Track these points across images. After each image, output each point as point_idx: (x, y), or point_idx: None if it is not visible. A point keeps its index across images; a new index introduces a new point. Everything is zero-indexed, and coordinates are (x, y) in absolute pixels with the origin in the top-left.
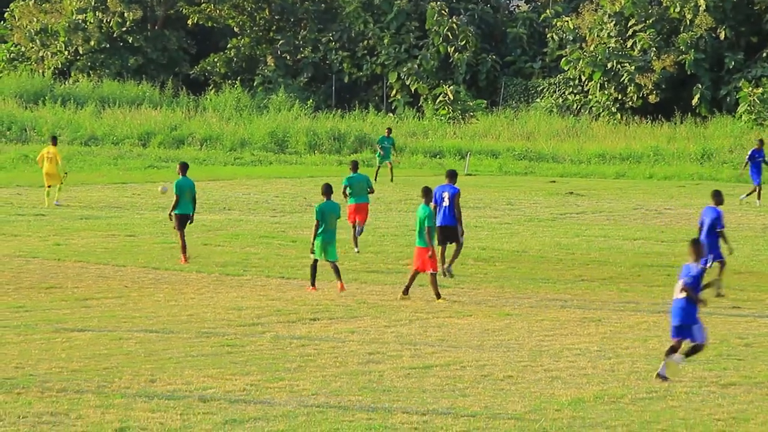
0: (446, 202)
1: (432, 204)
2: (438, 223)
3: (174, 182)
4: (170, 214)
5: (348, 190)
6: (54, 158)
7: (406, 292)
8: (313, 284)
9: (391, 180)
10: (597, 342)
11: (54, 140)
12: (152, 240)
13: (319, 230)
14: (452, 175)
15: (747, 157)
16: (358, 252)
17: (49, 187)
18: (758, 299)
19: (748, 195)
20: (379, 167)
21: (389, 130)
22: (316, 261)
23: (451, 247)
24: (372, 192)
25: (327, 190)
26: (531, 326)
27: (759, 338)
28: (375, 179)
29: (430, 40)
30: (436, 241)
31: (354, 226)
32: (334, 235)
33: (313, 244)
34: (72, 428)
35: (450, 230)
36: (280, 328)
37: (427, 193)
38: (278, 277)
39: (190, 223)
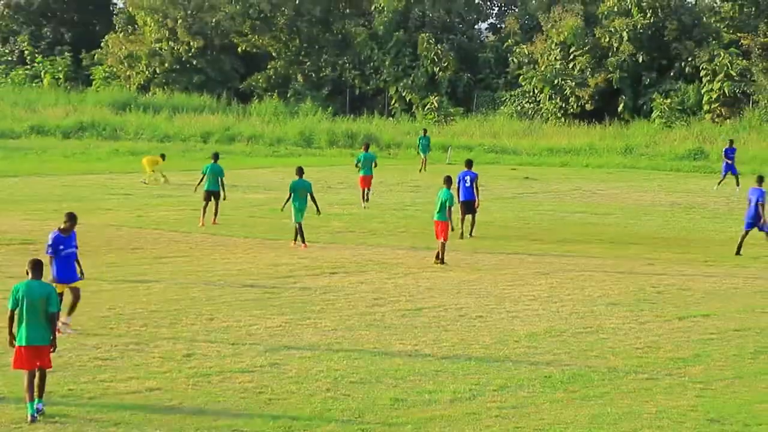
0: (468, 183)
1: (454, 186)
2: (461, 199)
3: (203, 165)
4: (196, 187)
5: (359, 164)
6: (156, 162)
7: (440, 261)
8: (303, 242)
9: (420, 170)
10: (546, 290)
11: (163, 157)
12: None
13: (293, 201)
14: (470, 164)
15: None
16: (366, 207)
17: (152, 172)
18: (667, 258)
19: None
20: (424, 159)
21: (425, 130)
22: (299, 224)
23: (467, 218)
24: (376, 166)
25: (299, 171)
26: (497, 279)
27: (668, 287)
28: (423, 169)
29: (420, 62)
30: (456, 216)
31: (363, 191)
32: (304, 203)
33: (283, 206)
34: (150, 355)
35: (470, 204)
36: (307, 280)
37: (448, 180)
38: (306, 242)
39: (217, 198)
